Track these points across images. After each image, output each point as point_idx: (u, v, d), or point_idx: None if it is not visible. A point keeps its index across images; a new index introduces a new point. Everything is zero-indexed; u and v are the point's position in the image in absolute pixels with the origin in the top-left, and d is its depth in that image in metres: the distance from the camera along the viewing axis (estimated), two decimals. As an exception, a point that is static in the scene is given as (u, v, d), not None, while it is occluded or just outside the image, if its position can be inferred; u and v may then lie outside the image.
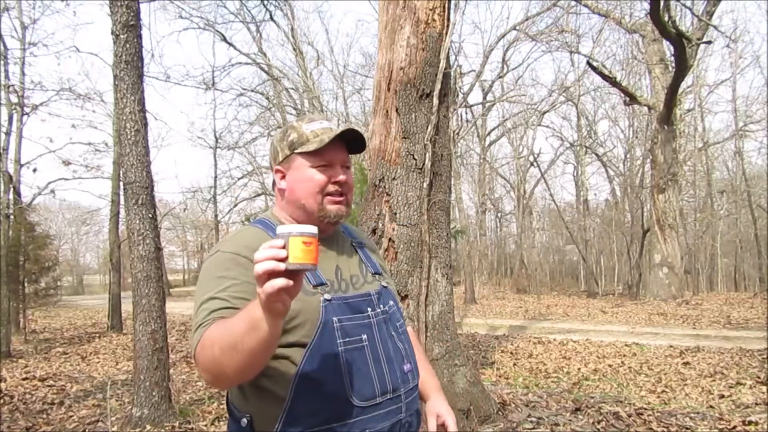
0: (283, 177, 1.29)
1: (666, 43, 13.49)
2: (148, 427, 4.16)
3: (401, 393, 1.24)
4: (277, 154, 1.29)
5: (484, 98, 18.73)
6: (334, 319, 1.17)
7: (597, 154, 22.94)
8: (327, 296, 1.18)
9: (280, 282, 0.87)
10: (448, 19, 4.17)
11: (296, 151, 1.25)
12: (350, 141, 1.29)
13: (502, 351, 7.67)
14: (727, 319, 10.31)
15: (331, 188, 1.25)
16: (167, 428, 4.18)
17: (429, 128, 3.97)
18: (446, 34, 4.12)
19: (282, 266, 0.88)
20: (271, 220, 1.30)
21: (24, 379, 6.60)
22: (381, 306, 1.29)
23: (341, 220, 1.30)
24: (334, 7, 47.75)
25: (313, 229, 0.93)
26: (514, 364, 6.74)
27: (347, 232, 1.42)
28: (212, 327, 1.03)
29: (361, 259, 1.36)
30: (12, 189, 10.80)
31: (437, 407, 1.44)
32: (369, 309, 1.25)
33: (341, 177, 1.26)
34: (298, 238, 0.90)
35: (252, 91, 16.80)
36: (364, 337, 1.21)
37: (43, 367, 7.54)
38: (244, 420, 1.17)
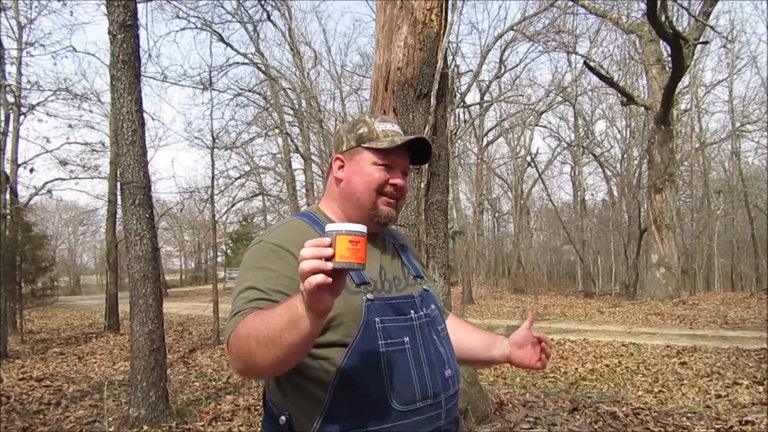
0: (342, 167, 1.28)
1: (663, 44, 13.52)
2: (145, 427, 4.15)
3: (441, 399, 1.20)
4: (341, 143, 1.29)
5: (482, 98, 18.74)
6: (377, 319, 1.15)
7: (594, 155, 22.95)
8: (369, 296, 1.17)
9: (318, 278, 0.85)
10: (446, 20, 4.17)
11: (364, 144, 1.25)
12: (414, 151, 1.30)
13: (500, 351, 7.67)
14: (723, 319, 10.33)
15: (389, 189, 1.25)
16: (164, 429, 4.18)
17: (426, 128, 3.97)
18: (444, 34, 4.12)
19: (329, 265, 0.86)
20: (316, 214, 1.28)
21: (21, 380, 6.59)
22: (423, 309, 1.27)
23: (390, 223, 1.30)
24: (332, 7, 47.79)
25: (362, 228, 0.90)
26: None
27: (390, 235, 1.40)
28: (249, 317, 1.02)
29: (404, 262, 1.35)
30: (9, 189, 10.75)
31: (522, 336, 1.35)
32: (412, 311, 1.23)
33: (399, 181, 1.26)
34: (346, 236, 0.88)
35: (249, 91, 16.69)
36: (407, 339, 1.18)
37: (40, 367, 7.52)
38: (283, 418, 1.15)
